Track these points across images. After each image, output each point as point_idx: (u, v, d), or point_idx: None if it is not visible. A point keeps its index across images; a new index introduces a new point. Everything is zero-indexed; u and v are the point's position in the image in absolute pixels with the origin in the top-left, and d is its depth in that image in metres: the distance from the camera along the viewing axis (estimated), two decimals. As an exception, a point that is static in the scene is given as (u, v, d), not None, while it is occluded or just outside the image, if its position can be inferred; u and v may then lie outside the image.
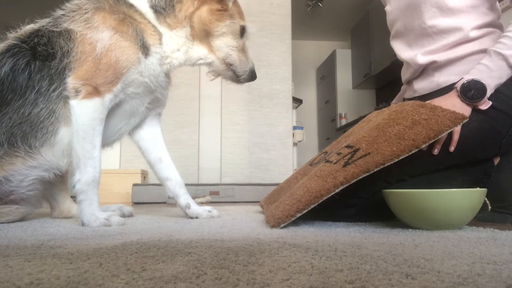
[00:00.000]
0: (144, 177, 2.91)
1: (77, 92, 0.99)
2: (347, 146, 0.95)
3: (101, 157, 1.03)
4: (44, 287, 0.39)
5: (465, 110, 0.96)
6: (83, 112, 0.99)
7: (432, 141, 0.86)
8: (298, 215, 0.86)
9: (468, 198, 0.82)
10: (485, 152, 1.01)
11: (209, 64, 1.16)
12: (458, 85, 0.97)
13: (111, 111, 1.07)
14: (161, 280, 0.41)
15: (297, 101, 3.44)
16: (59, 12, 1.07)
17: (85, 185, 0.98)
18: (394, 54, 1.31)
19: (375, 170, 0.85)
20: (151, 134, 1.24)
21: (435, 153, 0.95)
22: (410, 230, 0.84)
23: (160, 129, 1.26)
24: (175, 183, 1.20)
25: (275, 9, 3.24)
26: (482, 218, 1.06)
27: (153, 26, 1.08)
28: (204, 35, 1.12)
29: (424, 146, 0.87)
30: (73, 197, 1.12)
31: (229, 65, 1.15)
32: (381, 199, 0.93)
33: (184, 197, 1.19)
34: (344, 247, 0.61)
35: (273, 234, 0.77)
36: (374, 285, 0.39)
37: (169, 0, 1.10)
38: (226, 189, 2.66)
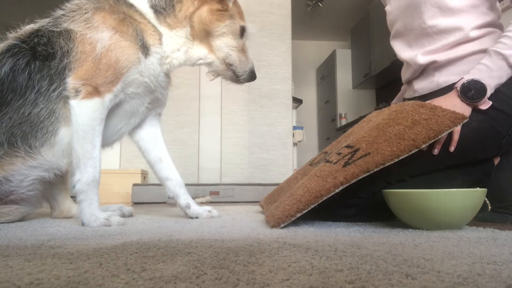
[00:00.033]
0: (144, 177, 2.91)
1: (77, 92, 0.99)
2: (347, 146, 0.95)
3: (101, 157, 1.03)
4: (44, 287, 0.39)
5: (465, 110, 0.96)
6: (83, 112, 0.99)
7: (432, 141, 0.86)
8: (298, 215, 0.86)
9: (468, 198, 0.82)
10: (485, 152, 1.01)
11: (209, 64, 1.16)
12: (458, 85, 0.97)
13: (111, 111, 1.07)
14: (161, 280, 0.41)
15: (297, 101, 3.44)
16: (59, 12, 1.07)
17: (85, 185, 0.98)
18: (394, 54, 1.31)
19: (375, 170, 0.85)
20: (151, 134, 1.24)
21: (435, 153, 0.95)
22: (410, 230, 0.84)
23: (160, 129, 1.26)
24: (175, 183, 1.20)
25: (275, 9, 3.24)
26: (482, 218, 1.06)
27: (153, 26, 1.08)
28: (204, 35, 1.12)
29: (424, 146, 0.87)
30: (73, 197, 1.12)
31: (229, 65, 1.15)
32: (381, 199, 0.93)
33: (184, 197, 1.19)
34: (344, 247, 0.61)
35: (273, 234, 0.77)
36: (374, 285, 0.39)
37: (169, 0, 1.10)
38: (226, 189, 2.66)
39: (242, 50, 1.16)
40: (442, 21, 1.09)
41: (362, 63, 5.03)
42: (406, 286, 0.38)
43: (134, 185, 2.60)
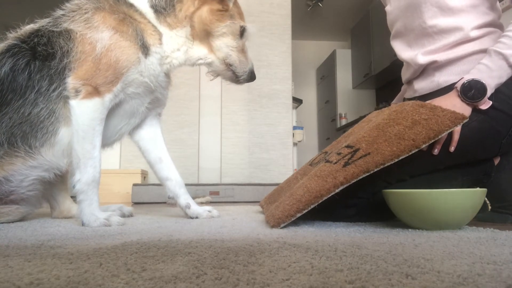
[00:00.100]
0: (144, 177, 2.91)
1: (77, 92, 0.99)
2: (347, 146, 0.95)
3: (101, 157, 1.03)
4: (44, 287, 0.39)
5: (465, 110, 0.96)
6: (83, 112, 0.99)
7: (432, 141, 0.86)
8: (298, 215, 0.86)
9: (468, 198, 0.82)
10: (485, 152, 1.01)
11: (209, 64, 1.16)
12: (458, 85, 0.97)
13: (111, 111, 1.07)
14: (161, 280, 0.41)
15: (297, 101, 3.44)
16: (59, 12, 1.07)
17: (85, 185, 0.98)
18: (394, 54, 1.31)
19: (375, 170, 0.85)
20: (151, 134, 1.24)
21: (435, 153, 0.95)
22: (410, 230, 0.84)
23: (160, 129, 1.26)
24: (175, 183, 1.20)
25: (275, 9, 3.24)
26: (482, 218, 1.06)
27: (153, 26, 1.08)
28: (204, 35, 1.12)
29: (424, 146, 0.87)
30: (73, 197, 1.12)
31: (228, 66, 1.15)
32: (381, 199, 0.93)
33: (184, 197, 1.19)
34: (344, 247, 0.61)
35: (273, 234, 0.77)
36: (374, 285, 0.38)
37: (169, 0, 1.10)
38: (226, 189, 2.66)
39: (242, 51, 1.16)
40: (442, 21, 1.09)
41: (362, 63, 5.03)
42: (406, 286, 0.38)
43: (134, 185, 2.60)
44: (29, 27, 1.07)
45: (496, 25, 1.10)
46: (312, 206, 0.85)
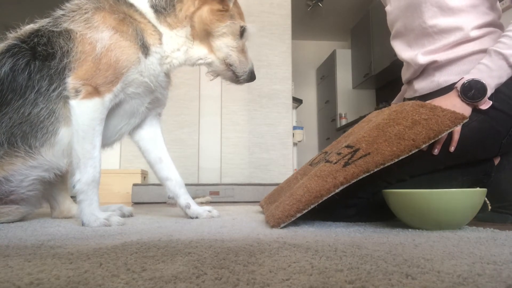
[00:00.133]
0: (144, 177, 2.91)
1: (77, 92, 0.99)
2: (347, 146, 0.95)
3: (101, 157, 1.03)
4: (44, 287, 0.39)
5: (465, 110, 0.96)
6: (83, 112, 0.99)
7: (432, 141, 0.86)
8: (298, 215, 0.86)
9: (468, 198, 0.82)
10: (485, 152, 1.01)
11: (209, 64, 1.16)
12: (458, 85, 0.97)
13: (111, 111, 1.07)
14: (161, 280, 0.41)
15: (297, 101, 3.44)
16: (59, 12, 1.07)
17: (85, 185, 0.98)
18: (394, 54, 1.31)
19: (375, 170, 0.85)
20: (151, 134, 1.24)
21: (435, 153, 0.95)
22: (410, 230, 0.84)
23: (160, 129, 1.26)
24: (175, 183, 1.20)
25: (275, 9, 3.24)
26: (482, 218, 1.06)
27: (153, 25, 1.08)
28: (205, 35, 1.12)
29: (424, 146, 0.87)
30: (73, 197, 1.12)
31: (229, 66, 1.15)
32: (381, 199, 0.93)
33: (184, 197, 1.19)
34: (344, 247, 0.61)
35: (273, 234, 0.77)
36: (374, 285, 0.38)
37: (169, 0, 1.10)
38: (226, 189, 2.66)
39: (242, 51, 1.16)
40: (442, 21, 1.09)
41: (362, 63, 5.03)
42: (406, 286, 0.38)
43: (134, 185, 2.60)
44: (29, 27, 1.07)
45: (496, 25, 1.10)
46: (312, 206, 0.85)
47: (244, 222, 1.02)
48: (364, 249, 0.59)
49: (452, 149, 0.95)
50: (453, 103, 0.96)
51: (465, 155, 0.98)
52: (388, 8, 1.30)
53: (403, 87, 1.37)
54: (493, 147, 1.01)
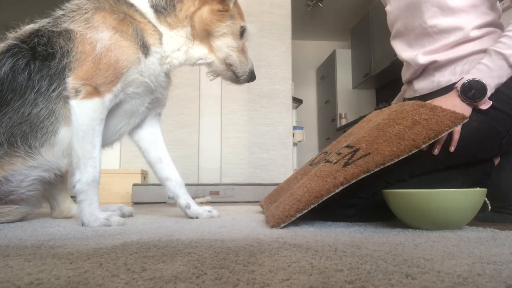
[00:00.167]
0: (144, 177, 2.91)
1: (77, 92, 0.99)
2: (347, 146, 0.95)
3: (101, 157, 1.03)
4: (44, 287, 0.39)
5: (465, 110, 0.96)
6: (83, 112, 0.99)
7: (432, 141, 0.86)
8: (298, 215, 0.86)
9: (468, 198, 0.82)
10: (485, 152, 1.01)
11: (209, 64, 1.16)
12: (459, 85, 0.97)
13: (111, 111, 1.07)
14: (161, 280, 0.41)
15: (297, 101, 3.44)
16: (59, 12, 1.07)
17: (85, 185, 0.98)
18: (394, 54, 1.31)
19: (375, 170, 0.85)
20: (151, 134, 1.24)
21: (435, 153, 0.95)
22: (410, 230, 0.84)
23: (160, 129, 1.26)
24: (175, 183, 1.20)
25: (275, 9, 3.24)
26: (482, 218, 1.06)
27: (153, 25, 1.08)
28: (205, 35, 1.12)
29: (424, 146, 0.87)
30: (73, 197, 1.12)
31: (229, 66, 1.15)
32: (381, 199, 0.93)
33: (184, 197, 1.19)
34: (344, 247, 0.61)
35: (273, 234, 0.77)
36: (374, 285, 0.38)
37: None
38: (226, 189, 2.66)
39: (242, 51, 1.16)
40: (442, 21, 1.09)
41: (362, 63, 5.03)
42: (406, 286, 0.38)
43: (134, 185, 2.60)
44: (29, 27, 1.07)
45: (496, 25, 1.10)
46: (312, 206, 0.85)
47: (244, 222, 1.02)
48: (364, 249, 0.59)
49: (452, 149, 0.95)
50: (453, 103, 0.96)
51: (465, 155, 0.98)
52: (388, 8, 1.30)
53: (403, 87, 1.37)
54: (493, 147, 1.01)
